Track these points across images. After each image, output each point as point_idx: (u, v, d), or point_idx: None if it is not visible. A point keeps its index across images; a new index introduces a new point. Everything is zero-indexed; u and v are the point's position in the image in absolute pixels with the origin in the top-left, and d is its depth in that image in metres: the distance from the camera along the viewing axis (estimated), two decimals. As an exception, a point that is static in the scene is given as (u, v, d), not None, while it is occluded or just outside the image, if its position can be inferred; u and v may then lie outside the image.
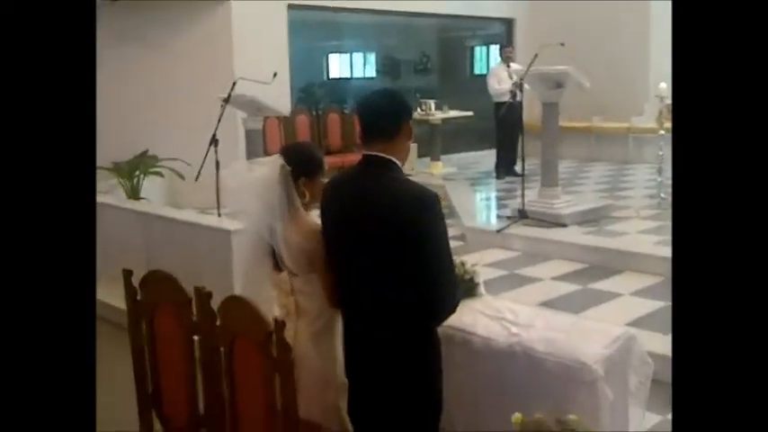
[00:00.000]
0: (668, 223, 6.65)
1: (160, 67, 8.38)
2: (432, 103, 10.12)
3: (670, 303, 3.63)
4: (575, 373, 2.59)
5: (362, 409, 2.47)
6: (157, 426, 3.06)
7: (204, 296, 2.67)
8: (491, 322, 2.88)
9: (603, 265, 5.96)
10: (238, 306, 2.51)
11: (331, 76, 18.40)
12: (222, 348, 2.62)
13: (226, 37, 8.48)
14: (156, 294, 2.90)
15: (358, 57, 18.66)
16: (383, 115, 2.41)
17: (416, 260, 2.26)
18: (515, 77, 7.88)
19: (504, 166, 9.97)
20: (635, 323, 4.49)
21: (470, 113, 10.61)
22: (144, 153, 7.82)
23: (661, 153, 7.71)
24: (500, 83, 9.54)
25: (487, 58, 16.41)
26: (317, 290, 2.55)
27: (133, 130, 8.03)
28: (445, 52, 17.56)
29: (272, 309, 2.61)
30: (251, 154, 6.98)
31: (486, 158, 10.94)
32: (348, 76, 18.51)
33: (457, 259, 2.76)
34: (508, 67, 9.57)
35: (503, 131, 9.80)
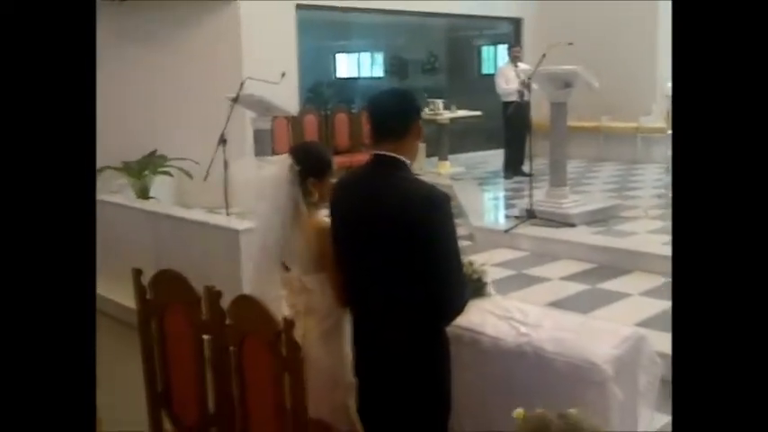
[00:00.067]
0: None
1: (169, 66, 8.40)
2: (440, 102, 10.08)
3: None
4: (584, 373, 2.58)
5: (371, 408, 2.47)
6: (167, 425, 3.06)
7: (214, 295, 2.67)
8: (500, 322, 2.87)
9: (612, 264, 5.94)
10: (248, 305, 2.52)
11: (339, 75, 18.42)
12: (232, 347, 2.62)
13: (234, 37, 8.50)
14: (166, 294, 2.91)
15: (366, 56, 18.67)
16: (392, 115, 2.41)
17: (425, 260, 2.26)
18: (523, 77, 7.87)
19: (513, 166, 9.94)
20: (644, 323, 4.46)
21: (478, 113, 10.57)
22: (153, 153, 7.86)
23: (669, 153, 7.69)
24: (508, 82, 9.52)
25: (495, 58, 16.36)
26: (326, 289, 2.56)
27: (142, 130, 8.06)
28: (453, 52, 17.55)
29: (281, 308, 2.62)
30: (259, 153, 7.02)
31: (495, 158, 10.91)
32: (356, 75, 18.52)
33: (465, 259, 2.75)
34: (516, 66, 9.55)
35: (511, 131, 9.77)
